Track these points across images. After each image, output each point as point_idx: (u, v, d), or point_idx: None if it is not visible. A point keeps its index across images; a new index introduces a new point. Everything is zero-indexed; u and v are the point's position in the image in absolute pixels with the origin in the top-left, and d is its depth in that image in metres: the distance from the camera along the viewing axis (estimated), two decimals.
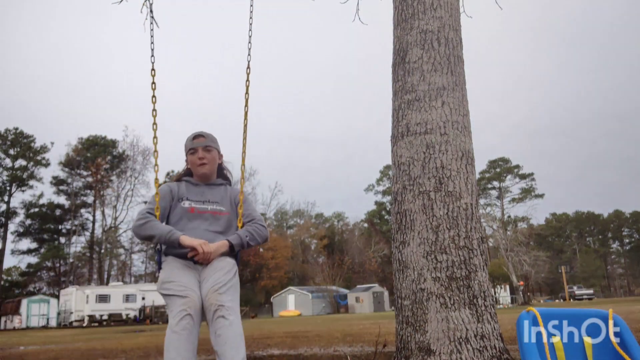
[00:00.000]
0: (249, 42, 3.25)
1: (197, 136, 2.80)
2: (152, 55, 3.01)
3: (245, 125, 3.04)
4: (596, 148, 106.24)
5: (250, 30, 3.28)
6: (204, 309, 2.34)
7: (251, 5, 3.40)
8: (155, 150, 2.87)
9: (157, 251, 2.70)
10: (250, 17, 3.37)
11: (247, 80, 3.11)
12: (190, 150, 2.78)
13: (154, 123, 2.84)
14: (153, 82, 2.96)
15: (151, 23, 3.22)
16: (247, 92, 3.09)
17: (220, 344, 2.25)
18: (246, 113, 3.03)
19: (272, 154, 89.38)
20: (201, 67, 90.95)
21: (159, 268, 2.61)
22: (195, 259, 2.50)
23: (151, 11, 3.45)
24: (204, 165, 2.75)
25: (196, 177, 2.81)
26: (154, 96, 2.92)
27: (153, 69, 2.98)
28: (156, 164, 2.88)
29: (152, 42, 3.06)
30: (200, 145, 2.77)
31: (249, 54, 3.20)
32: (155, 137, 2.85)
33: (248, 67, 3.15)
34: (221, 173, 2.92)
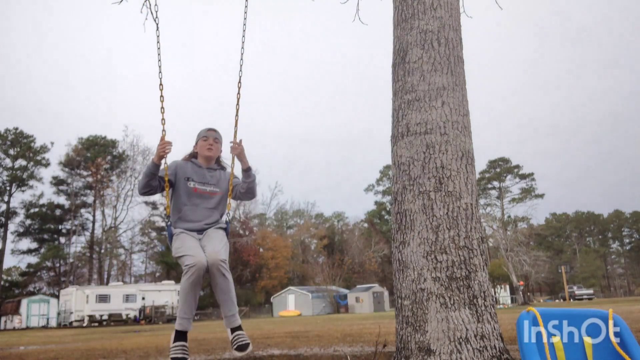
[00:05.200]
0: (241, 60, 3.70)
1: (211, 129, 3.56)
2: (160, 72, 3.45)
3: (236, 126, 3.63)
4: (596, 148, 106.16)
5: (242, 49, 3.76)
6: (208, 265, 3.03)
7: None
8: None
9: (167, 226, 3.37)
10: (243, 36, 3.81)
11: (238, 93, 3.62)
12: (204, 137, 3.52)
13: (163, 130, 3.34)
14: (161, 96, 3.39)
15: (157, 42, 3.57)
16: (237, 104, 3.60)
17: (222, 294, 3.12)
18: (236, 121, 3.61)
19: (272, 154, 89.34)
20: (201, 66, 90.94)
21: (170, 240, 3.30)
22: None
23: (157, 30, 3.66)
24: (210, 149, 3.49)
25: (201, 158, 3.51)
26: (162, 107, 3.38)
27: (161, 84, 3.43)
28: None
29: (159, 60, 3.48)
30: (212, 136, 3.52)
31: (240, 70, 3.68)
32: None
33: (239, 82, 3.66)
34: (218, 162, 3.63)
